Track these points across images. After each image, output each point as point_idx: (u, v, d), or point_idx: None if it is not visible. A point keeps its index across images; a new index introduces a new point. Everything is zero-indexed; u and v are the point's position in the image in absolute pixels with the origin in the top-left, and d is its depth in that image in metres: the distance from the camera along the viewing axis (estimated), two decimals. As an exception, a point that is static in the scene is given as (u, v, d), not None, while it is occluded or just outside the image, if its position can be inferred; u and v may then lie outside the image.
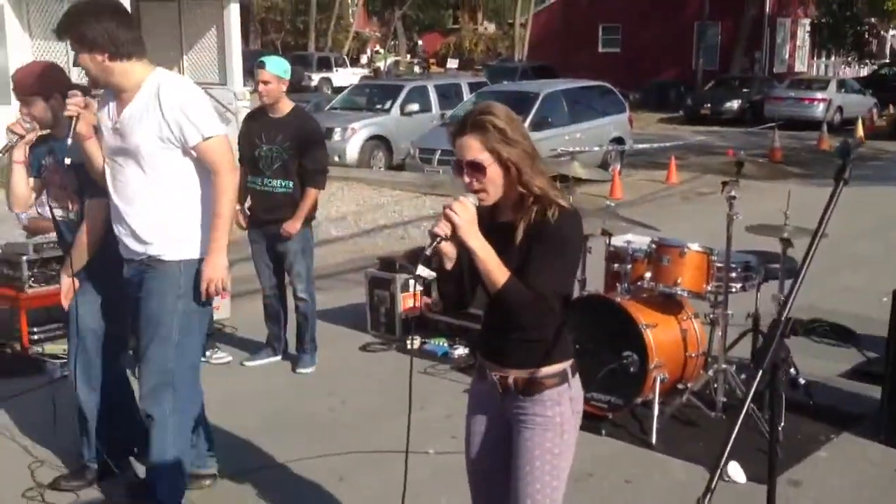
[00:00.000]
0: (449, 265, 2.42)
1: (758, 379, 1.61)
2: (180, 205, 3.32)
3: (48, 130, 3.70)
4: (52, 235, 5.58)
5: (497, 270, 2.31)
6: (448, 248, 2.39)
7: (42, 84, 3.56)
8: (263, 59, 5.15)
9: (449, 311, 5.51)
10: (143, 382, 3.38)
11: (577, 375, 2.55)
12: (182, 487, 3.52)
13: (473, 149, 2.36)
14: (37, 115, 3.57)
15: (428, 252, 2.34)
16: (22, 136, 3.53)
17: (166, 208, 3.31)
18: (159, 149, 3.25)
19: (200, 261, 3.34)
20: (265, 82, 5.01)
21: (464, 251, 2.38)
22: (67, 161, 3.43)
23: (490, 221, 2.44)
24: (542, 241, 2.34)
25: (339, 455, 4.18)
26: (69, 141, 3.28)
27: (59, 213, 3.76)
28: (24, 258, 5.35)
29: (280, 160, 5.05)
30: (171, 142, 3.25)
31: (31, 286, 5.35)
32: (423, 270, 2.39)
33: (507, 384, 2.48)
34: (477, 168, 2.36)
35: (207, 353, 5.44)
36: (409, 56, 46.49)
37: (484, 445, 2.61)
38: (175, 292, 3.31)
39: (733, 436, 1.66)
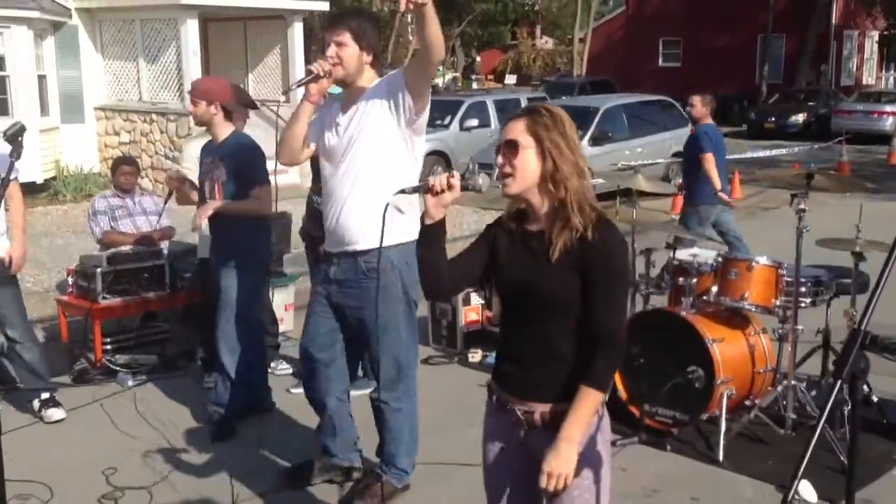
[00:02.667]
0: (428, 221, 2.26)
1: (836, 389, 1.57)
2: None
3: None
4: (125, 248, 5.78)
5: (594, 404, 2.22)
6: (432, 206, 2.23)
7: (216, 92, 4.52)
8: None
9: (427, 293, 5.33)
10: (381, 374, 3.64)
11: (604, 405, 2.35)
12: (412, 464, 3.87)
13: (516, 129, 2.24)
14: (199, 113, 4.50)
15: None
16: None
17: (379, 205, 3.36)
18: (384, 135, 3.41)
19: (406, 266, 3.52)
20: None
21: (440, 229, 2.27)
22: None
23: (520, 229, 2.31)
24: (595, 269, 2.18)
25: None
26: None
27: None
28: (99, 270, 5.51)
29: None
30: (396, 112, 3.38)
31: (104, 297, 5.51)
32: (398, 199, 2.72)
33: (532, 420, 2.29)
34: (512, 148, 2.22)
35: (272, 365, 5.53)
36: (462, 73, 46.65)
37: (505, 480, 2.44)
38: (396, 299, 3.57)
39: (810, 449, 1.63)
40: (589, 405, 2.21)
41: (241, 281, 4.45)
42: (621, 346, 2.23)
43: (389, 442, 3.80)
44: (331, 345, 3.75)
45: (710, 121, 7.03)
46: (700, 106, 6.99)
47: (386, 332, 3.59)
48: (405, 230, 3.39)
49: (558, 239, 2.20)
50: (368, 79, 3.51)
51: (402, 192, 2.46)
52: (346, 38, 3.41)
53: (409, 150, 3.51)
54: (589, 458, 2.27)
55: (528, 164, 2.22)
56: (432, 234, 2.29)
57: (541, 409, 2.28)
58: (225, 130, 4.55)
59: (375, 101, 3.43)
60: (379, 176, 3.43)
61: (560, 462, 2.17)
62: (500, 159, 2.24)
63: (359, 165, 3.47)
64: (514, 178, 2.22)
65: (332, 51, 3.47)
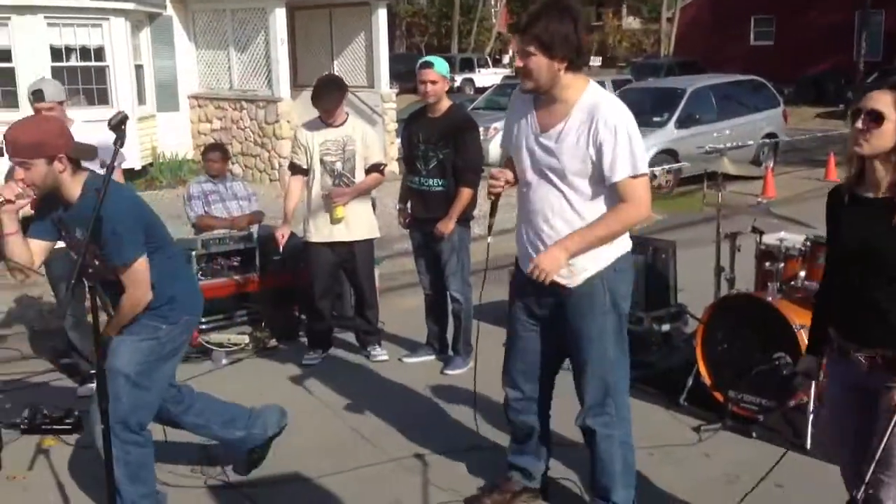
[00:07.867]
0: None
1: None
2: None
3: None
4: (218, 232, 6.00)
5: None
6: None
7: (44, 145, 3.07)
8: (429, 59, 5.16)
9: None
10: (587, 397, 3.39)
11: None
12: (631, 498, 3.48)
13: (882, 101, 2.44)
14: (36, 180, 3.10)
15: None
16: (10, 202, 3.07)
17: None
18: (582, 173, 3.12)
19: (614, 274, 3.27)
20: (432, 82, 5.03)
21: None
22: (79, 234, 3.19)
23: (855, 194, 2.53)
24: None
25: (480, 450, 4.26)
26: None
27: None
28: (193, 253, 5.74)
29: (436, 159, 5.14)
30: (595, 167, 3.08)
31: (198, 279, 5.73)
32: None
33: (875, 362, 2.56)
34: (874, 118, 2.42)
35: (370, 352, 5.65)
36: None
37: (848, 418, 2.73)
38: (602, 310, 3.26)
39: (885, 437, 1.61)
40: None
41: None
42: None
43: (600, 473, 3.45)
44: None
45: None
46: None
47: (591, 346, 3.29)
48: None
49: None
50: (572, 87, 3.10)
51: None
52: (531, 47, 3.03)
53: (598, 185, 3.16)
54: None
55: (888, 135, 2.44)
56: None
57: (882, 353, 2.54)
58: (76, 186, 3.19)
59: (581, 139, 3.09)
60: (570, 203, 3.23)
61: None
62: (859, 124, 2.46)
63: (552, 190, 3.22)
64: (868, 143, 2.46)
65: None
